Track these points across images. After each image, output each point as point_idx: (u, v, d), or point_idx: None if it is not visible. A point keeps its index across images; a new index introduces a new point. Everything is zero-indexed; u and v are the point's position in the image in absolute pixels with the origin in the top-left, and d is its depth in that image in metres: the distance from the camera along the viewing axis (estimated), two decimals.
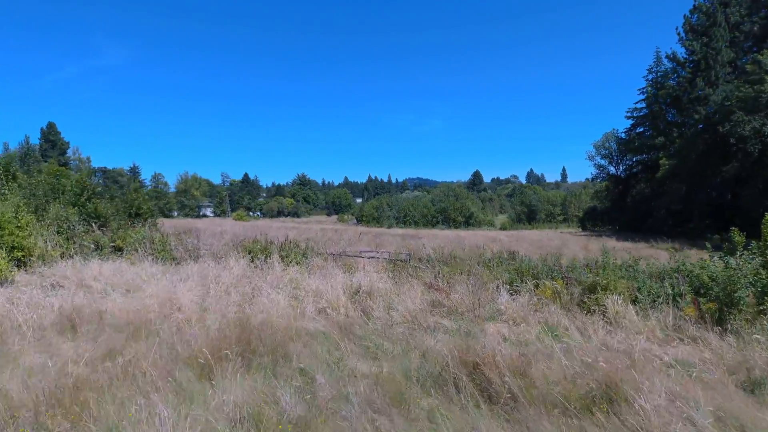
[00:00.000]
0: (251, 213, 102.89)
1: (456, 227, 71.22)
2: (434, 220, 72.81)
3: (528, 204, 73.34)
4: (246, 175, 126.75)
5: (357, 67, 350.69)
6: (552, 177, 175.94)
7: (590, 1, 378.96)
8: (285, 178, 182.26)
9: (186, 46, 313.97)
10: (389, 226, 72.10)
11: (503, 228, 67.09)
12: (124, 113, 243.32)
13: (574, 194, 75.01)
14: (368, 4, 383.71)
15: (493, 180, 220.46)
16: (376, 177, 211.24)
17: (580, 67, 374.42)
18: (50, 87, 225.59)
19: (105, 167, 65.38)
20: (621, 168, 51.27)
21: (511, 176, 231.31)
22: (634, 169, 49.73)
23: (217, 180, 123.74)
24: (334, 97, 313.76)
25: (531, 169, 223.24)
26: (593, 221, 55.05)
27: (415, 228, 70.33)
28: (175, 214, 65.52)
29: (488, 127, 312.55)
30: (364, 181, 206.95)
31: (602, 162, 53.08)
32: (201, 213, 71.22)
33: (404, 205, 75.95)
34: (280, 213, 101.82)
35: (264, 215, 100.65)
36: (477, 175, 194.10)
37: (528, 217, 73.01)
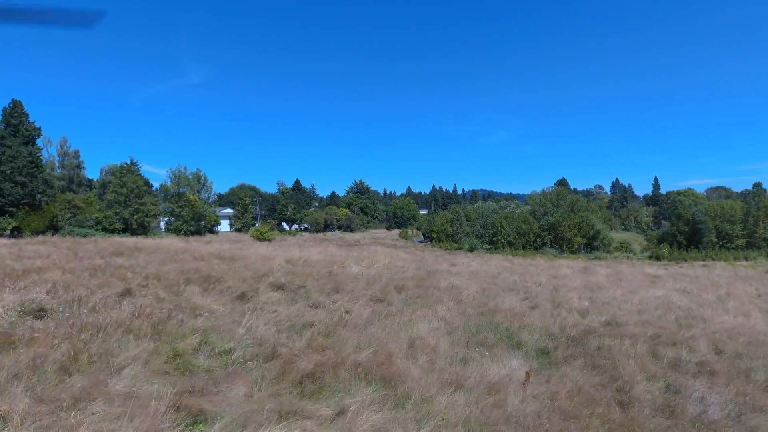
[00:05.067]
0: (296, 226, 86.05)
1: (572, 251, 48.15)
2: (539, 241, 50.29)
3: (689, 219, 48.18)
4: (297, 181, 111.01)
5: (427, 88, 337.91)
6: (641, 189, 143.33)
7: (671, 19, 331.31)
8: (345, 187, 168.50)
9: (262, 73, 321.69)
10: (471, 248, 50.76)
11: (657, 257, 42.92)
12: (195, 127, 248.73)
13: (761, 206, 48.50)
14: (435, 30, 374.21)
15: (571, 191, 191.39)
16: (440, 187, 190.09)
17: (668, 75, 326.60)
18: (138, 104, 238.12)
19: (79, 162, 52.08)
20: None
21: (594, 186, 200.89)
22: None
23: (272, 188, 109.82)
24: (404, 113, 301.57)
25: (617, 179, 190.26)
26: None
27: (512, 252, 48.35)
28: (162, 227, 47.99)
29: (563, 136, 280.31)
30: (428, 191, 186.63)
31: None
32: (210, 227, 54.36)
33: (493, 218, 54.06)
34: (328, 226, 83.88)
35: (308, 228, 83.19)
36: (563, 184, 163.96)
37: (688, 238, 47.86)
